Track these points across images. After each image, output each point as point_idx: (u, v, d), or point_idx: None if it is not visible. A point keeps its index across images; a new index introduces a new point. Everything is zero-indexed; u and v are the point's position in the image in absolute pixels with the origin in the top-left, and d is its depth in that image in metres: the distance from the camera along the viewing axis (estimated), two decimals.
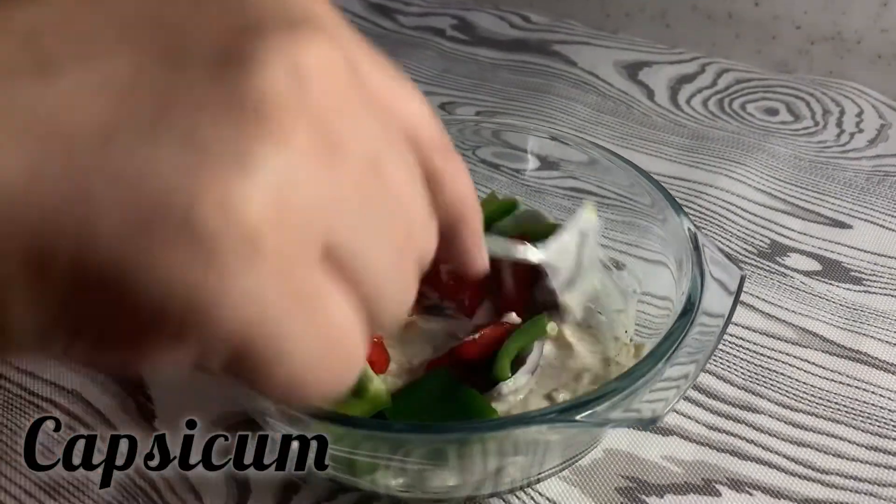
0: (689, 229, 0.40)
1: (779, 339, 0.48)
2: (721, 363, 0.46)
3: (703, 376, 0.46)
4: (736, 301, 0.37)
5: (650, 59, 0.75)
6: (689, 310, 0.36)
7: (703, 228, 0.56)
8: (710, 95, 0.70)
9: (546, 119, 0.67)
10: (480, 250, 0.27)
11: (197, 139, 0.16)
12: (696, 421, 0.43)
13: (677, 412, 0.44)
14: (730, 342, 0.48)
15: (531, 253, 0.40)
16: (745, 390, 0.45)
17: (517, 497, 0.40)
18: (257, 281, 0.17)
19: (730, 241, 0.55)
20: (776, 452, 0.42)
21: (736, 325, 0.49)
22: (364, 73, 0.20)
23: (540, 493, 0.40)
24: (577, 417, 0.31)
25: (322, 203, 0.18)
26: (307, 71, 0.18)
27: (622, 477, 0.41)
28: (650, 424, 0.34)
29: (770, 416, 0.43)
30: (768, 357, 0.47)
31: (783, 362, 0.47)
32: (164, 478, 0.41)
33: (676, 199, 0.58)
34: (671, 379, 0.34)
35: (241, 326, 0.17)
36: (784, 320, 0.49)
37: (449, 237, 0.25)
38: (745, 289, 0.50)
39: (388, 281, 0.20)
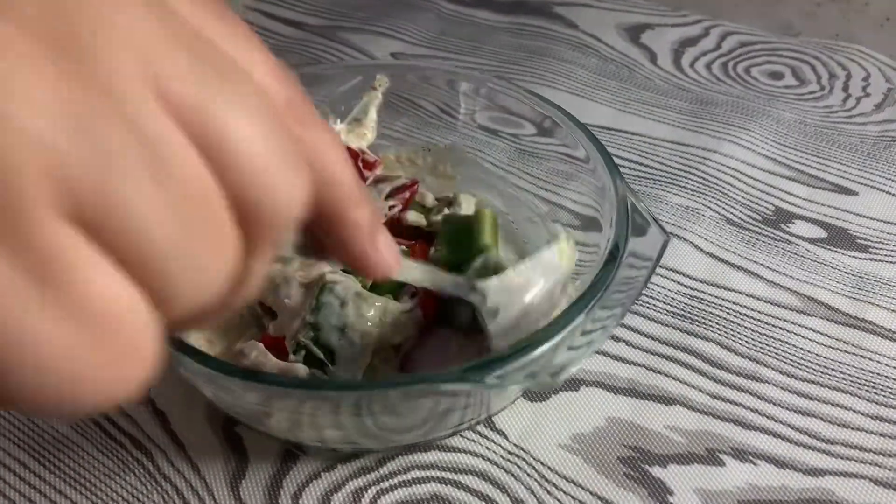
0: (620, 192, 0.40)
1: (783, 307, 0.47)
2: (725, 332, 0.46)
3: (707, 345, 0.45)
4: (652, 270, 0.36)
5: (653, 22, 0.74)
6: (597, 284, 0.35)
7: (707, 195, 0.55)
8: (713, 59, 0.69)
9: (546, 83, 0.66)
10: (373, 250, 0.23)
11: None
12: (700, 390, 0.43)
13: (681, 381, 0.43)
14: (734, 311, 0.47)
15: (470, 292, 0.34)
16: (750, 359, 0.44)
17: (518, 466, 0.39)
18: None
19: (734, 207, 0.54)
20: (781, 422, 0.41)
21: (740, 293, 0.48)
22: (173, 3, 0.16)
23: (542, 463, 0.39)
24: (473, 379, 0.31)
25: (49, 135, 0.13)
26: None
27: (625, 446, 0.40)
28: (547, 387, 0.36)
29: (774, 385, 0.43)
30: (773, 325, 0.46)
31: (788, 331, 0.46)
32: (160, 447, 0.40)
33: (676, 164, 0.57)
34: (574, 348, 0.34)
35: None
36: (789, 288, 0.48)
37: (325, 229, 0.21)
38: (749, 256, 0.50)
39: (171, 254, 0.15)
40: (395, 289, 0.40)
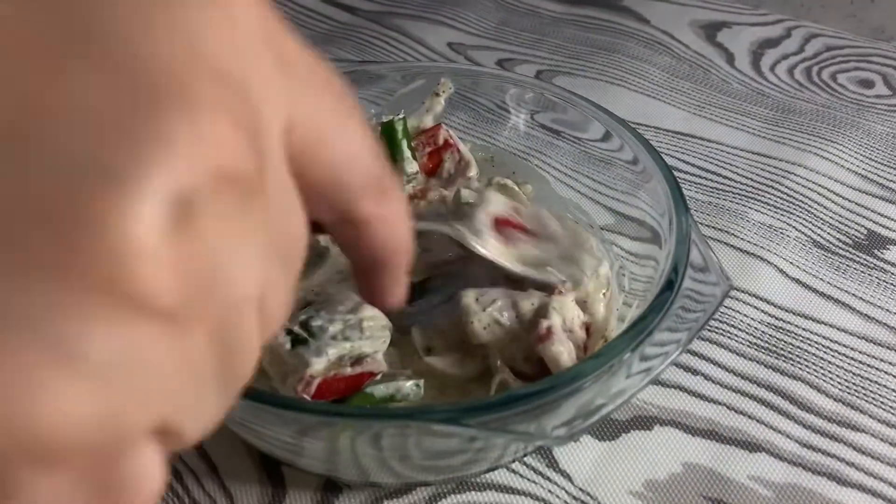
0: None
1: (879, 344, 0.43)
2: (815, 370, 0.41)
3: (795, 384, 0.40)
4: (707, 319, 0.32)
5: (730, 20, 0.68)
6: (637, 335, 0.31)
7: (792, 213, 0.50)
8: (796, 63, 0.64)
9: (615, 81, 0.61)
10: (397, 288, 0.25)
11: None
12: (787, 436, 0.38)
13: (766, 425, 0.39)
14: (824, 346, 0.42)
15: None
16: (843, 403, 0.40)
17: None
18: None
19: (821, 229, 0.49)
20: (881, 479, 0.37)
21: (831, 326, 0.43)
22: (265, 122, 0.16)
23: None
24: (469, 422, 0.28)
25: None
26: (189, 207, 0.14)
27: (704, 498, 0.36)
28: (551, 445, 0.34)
29: (872, 435, 0.38)
30: (868, 365, 0.42)
31: (885, 372, 0.41)
32: (189, 467, 0.37)
33: (757, 177, 0.53)
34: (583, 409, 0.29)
35: None
36: (885, 323, 0.44)
37: (366, 275, 0.24)
38: (839, 285, 0.45)
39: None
40: None
